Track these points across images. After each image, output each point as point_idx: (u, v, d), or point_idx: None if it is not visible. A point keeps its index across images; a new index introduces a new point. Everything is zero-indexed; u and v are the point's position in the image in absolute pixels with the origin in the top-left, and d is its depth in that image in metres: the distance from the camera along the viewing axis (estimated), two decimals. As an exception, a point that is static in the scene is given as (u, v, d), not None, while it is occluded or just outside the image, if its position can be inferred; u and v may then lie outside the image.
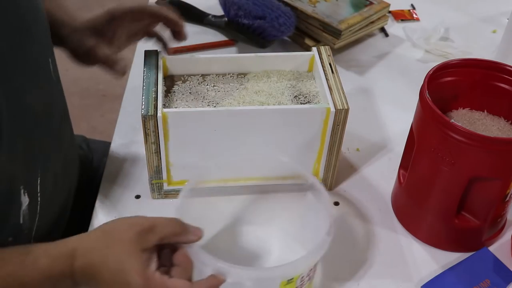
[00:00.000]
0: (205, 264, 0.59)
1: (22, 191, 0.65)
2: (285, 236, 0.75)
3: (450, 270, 0.72)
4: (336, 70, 0.80)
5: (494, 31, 1.19)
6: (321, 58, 0.82)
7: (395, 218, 0.80)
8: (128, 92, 0.99)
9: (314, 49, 0.83)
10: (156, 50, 0.81)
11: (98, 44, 0.79)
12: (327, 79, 0.78)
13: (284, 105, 0.77)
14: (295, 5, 1.08)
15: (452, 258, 0.75)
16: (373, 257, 0.75)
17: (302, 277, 0.63)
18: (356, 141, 0.91)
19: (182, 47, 1.07)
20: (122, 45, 0.82)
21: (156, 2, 1.19)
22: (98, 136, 1.09)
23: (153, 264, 0.57)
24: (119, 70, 0.77)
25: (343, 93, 0.76)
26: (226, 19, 1.11)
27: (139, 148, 0.88)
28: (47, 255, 0.58)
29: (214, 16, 1.14)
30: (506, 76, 0.74)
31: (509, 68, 0.74)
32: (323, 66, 0.80)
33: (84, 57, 0.80)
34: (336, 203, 0.82)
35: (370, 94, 1.02)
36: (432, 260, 0.75)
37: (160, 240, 0.58)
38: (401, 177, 0.78)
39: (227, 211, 0.77)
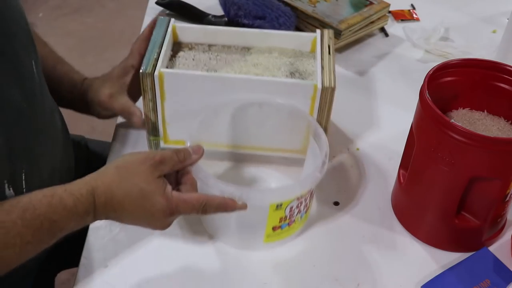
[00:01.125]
0: (204, 182, 0.67)
1: (6, 185, 0.66)
2: (283, 176, 0.83)
3: (450, 270, 0.72)
4: (333, 52, 0.81)
5: (494, 31, 1.19)
6: (322, 40, 0.83)
7: (395, 218, 0.80)
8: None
9: (318, 31, 0.84)
10: (169, 18, 0.84)
11: (113, 94, 0.82)
12: (322, 59, 0.79)
13: (273, 77, 0.79)
14: (295, 5, 1.08)
15: (452, 258, 0.75)
16: (373, 257, 0.75)
17: (291, 207, 0.69)
18: (356, 141, 0.91)
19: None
20: (137, 96, 0.85)
21: (156, 3, 1.19)
22: (98, 136, 1.09)
23: (169, 186, 0.64)
24: (136, 121, 0.81)
25: (334, 73, 0.77)
26: (226, 19, 1.11)
27: (139, 148, 0.88)
28: (70, 194, 0.61)
29: (214, 16, 1.14)
30: (506, 76, 0.74)
31: (509, 68, 0.74)
32: (322, 47, 0.82)
33: (99, 107, 0.84)
34: (336, 203, 0.82)
35: (370, 94, 1.02)
36: (432, 260, 0.75)
37: (171, 170, 0.65)
38: (401, 177, 0.78)
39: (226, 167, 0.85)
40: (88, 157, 0.97)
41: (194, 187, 0.67)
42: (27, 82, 0.70)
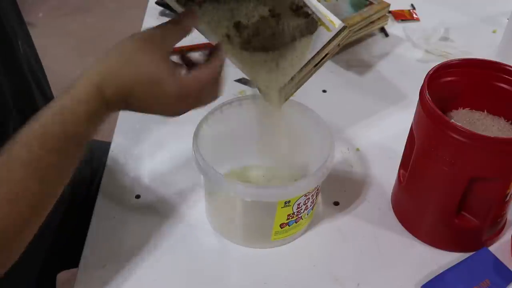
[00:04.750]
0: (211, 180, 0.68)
1: None
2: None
3: (450, 270, 0.72)
4: None
5: (494, 31, 1.19)
6: None
7: (395, 218, 0.80)
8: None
9: None
10: None
11: None
12: None
13: None
14: (295, 5, 1.08)
15: (452, 258, 0.75)
16: (373, 257, 0.75)
17: (299, 204, 0.69)
18: (356, 141, 0.91)
19: (182, 47, 1.07)
20: None
21: (156, 2, 1.19)
22: (98, 136, 1.08)
23: (179, 68, 0.60)
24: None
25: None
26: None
27: (139, 148, 0.88)
28: (79, 102, 0.56)
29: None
30: (506, 76, 0.74)
31: (509, 68, 0.74)
32: None
33: None
34: (336, 203, 0.82)
35: (370, 94, 1.02)
36: (432, 260, 0.75)
37: (175, 41, 0.60)
38: (401, 177, 0.78)
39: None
40: (89, 157, 0.97)
41: (207, 66, 0.61)
42: (11, 62, 0.69)
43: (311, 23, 0.67)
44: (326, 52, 0.68)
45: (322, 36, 0.67)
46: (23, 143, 0.54)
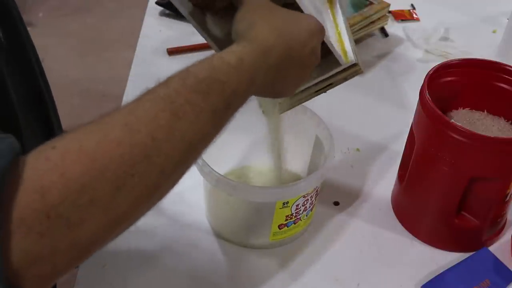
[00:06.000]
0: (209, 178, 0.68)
1: None
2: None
3: (450, 270, 0.72)
4: None
5: (494, 31, 1.19)
6: None
7: (395, 218, 0.80)
8: (128, 92, 0.99)
9: None
10: None
11: None
12: None
13: None
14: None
15: (452, 258, 0.75)
16: (373, 257, 0.75)
17: (297, 205, 0.69)
18: (356, 141, 0.91)
19: (182, 47, 1.07)
20: None
21: (156, 2, 1.19)
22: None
23: None
24: None
25: None
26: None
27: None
28: (231, 52, 0.52)
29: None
30: (506, 76, 0.74)
31: (509, 68, 0.74)
32: None
33: None
34: (336, 203, 0.82)
35: (370, 94, 1.02)
36: (432, 260, 0.75)
37: None
38: (401, 177, 0.78)
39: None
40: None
41: None
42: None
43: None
44: (331, 81, 0.66)
45: (332, 65, 0.64)
46: (163, 82, 0.48)
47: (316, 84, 0.66)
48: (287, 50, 0.55)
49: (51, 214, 0.38)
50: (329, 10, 0.69)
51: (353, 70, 0.64)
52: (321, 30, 0.59)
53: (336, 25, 0.67)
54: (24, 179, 0.38)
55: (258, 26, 0.54)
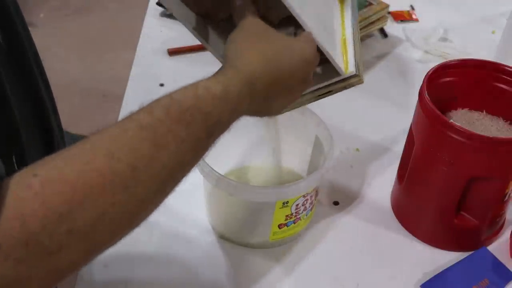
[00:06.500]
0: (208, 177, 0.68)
1: None
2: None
3: (449, 270, 0.72)
4: None
5: (493, 32, 1.19)
6: None
7: (394, 218, 0.80)
8: (128, 92, 1.00)
9: None
10: None
11: None
12: None
13: None
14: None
15: (451, 257, 0.75)
16: (372, 256, 0.75)
17: (297, 205, 0.69)
18: (356, 141, 0.92)
19: (182, 47, 1.07)
20: None
21: (157, 3, 1.20)
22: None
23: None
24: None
25: None
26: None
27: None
28: (217, 82, 0.52)
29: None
30: (505, 77, 0.75)
31: (508, 68, 0.75)
32: None
33: None
34: (336, 203, 0.82)
35: (369, 94, 1.02)
36: (432, 260, 0.75)
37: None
38: (401, 177, 0.79)
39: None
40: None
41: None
42: None
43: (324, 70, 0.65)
44: (331, 89, 0.65)
45: (331, 73, 0.64)
46: (146, 108, 0.48)
47: (315, 90, 0.66)
48: (274, 79, 0.55)
49: (30, 242, 0.38)
50: (339, 11, 0.68)
51: (353, 80, 0.64)
52: (314, 59, 0.59)
53: (343, 29, 0.67)
54: (5, 205, 0.38)
55: (246, 54, 0.54)
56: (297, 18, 0.57)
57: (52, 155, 0.43)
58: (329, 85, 0.65)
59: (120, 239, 0.47)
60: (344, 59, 0.64)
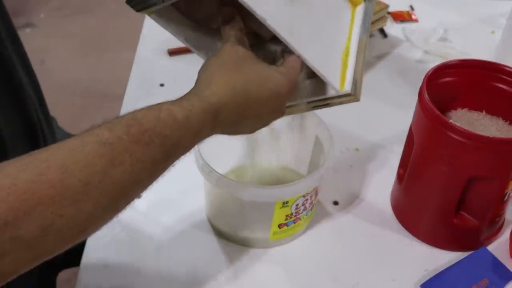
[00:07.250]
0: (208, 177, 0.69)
1: None
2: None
3: (448, 269, 0.72)
4: None
5: (492, 32, 1.20)
6: None
7: (394, 218, 0.80)
8: (128, 92, 1.00)
9: None
10: None
11: None
12: None
13: None
14: (295, 6, 1.09)
15: (451, 257, 0.75)
16: (372, 256, 0.75)
17: (297, 204, 0.70)
18: (355, 141, 0.92)
19: (182, 47, 1.07)
20: None
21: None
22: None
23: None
24: None
25: None
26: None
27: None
28: (180, 107, 0.53)
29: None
30: (505, 77, 0.75)
31: (508, 68, 0.75)
32: None
33: None
34: (336, 203, 0.82)
35: (369, 94, 1.02)
36: (431, 260, 0.75)
37: (240, 30, 0.61)
38: (400, 177, 0.79)
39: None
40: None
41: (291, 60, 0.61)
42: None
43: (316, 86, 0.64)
44: (328, 102, 0.65)
45: (327, 88, 0.63)
46: (108, 125, 0.49)
47: (313, 101, 0.65)
48: (241, 108, 0.56)
49: None
50: (349, 18, 0.66)
51: (348, 98, 0.63)
52: (288, 91, 0.59)
53: (349, 40, 0.64)
54: None
55: (215, 83, 0.55)
56: (284, 42, 0.57)
57: (11, 160, 0.44)
58: (324, 99, 0.65)
59: (66, 248, 0.48)
60: (342, 73, 0.63)
